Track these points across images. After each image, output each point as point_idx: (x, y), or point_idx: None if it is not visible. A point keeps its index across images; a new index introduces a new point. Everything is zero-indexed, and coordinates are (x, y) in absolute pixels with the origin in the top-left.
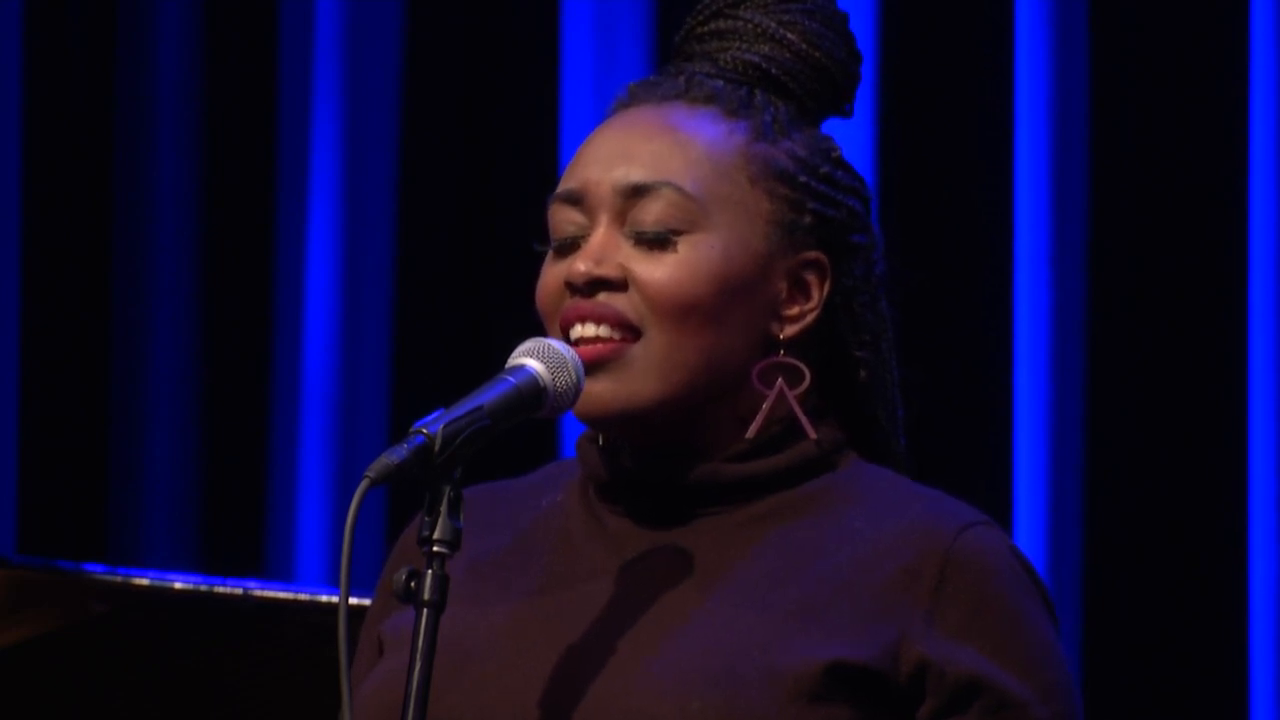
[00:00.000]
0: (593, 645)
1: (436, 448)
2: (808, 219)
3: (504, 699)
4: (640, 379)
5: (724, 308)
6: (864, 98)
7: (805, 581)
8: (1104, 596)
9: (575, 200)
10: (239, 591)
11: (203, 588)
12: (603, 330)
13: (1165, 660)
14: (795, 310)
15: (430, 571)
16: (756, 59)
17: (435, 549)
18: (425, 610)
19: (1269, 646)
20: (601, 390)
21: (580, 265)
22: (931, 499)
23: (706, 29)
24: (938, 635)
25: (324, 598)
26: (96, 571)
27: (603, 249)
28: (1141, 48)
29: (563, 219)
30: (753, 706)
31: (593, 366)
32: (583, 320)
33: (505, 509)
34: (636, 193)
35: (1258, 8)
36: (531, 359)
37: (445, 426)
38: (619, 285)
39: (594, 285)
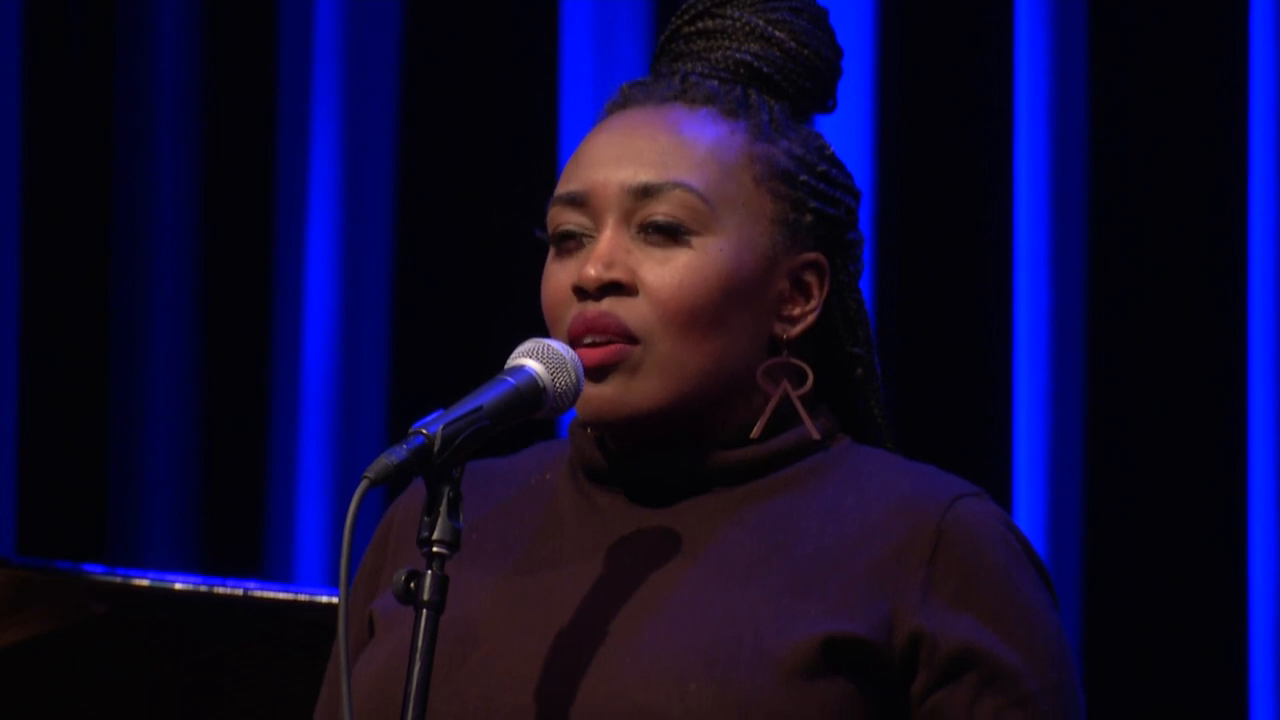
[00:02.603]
0: (591, 626)
1: (436, 448)
2: (809, 218)
3: (506, 679)
4: (647, 383)
5: (731, 311)
6: (864, 98)
7: (799, 557)
8: (1104, 597)
9: (579, 202)
10: (239, 592)
11: (203, 588)
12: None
13: (1165, 659)
14: (796, 310)
15: (430, 572)
16: (748, 58)
17: (435, 549)
18: (425, 610)
19: (1269, 646)
20: (610, 393)
21: (590, 270)
22: (923, 473)
23: (693, 29)
24: (932, 607)
25: (323, 598)
26: (96, 571)
27: (611, 252)
28: (1141, 48)
29: (565, 220)
30: (750, 686)
31: (600, 371)
32: (591, 333)
33: (497, 487)
34: (646, 193)
35: (1258, 8)
36: (531, 359)
37: (445, 427)
38: (629, 289)
39: (604, 289)
